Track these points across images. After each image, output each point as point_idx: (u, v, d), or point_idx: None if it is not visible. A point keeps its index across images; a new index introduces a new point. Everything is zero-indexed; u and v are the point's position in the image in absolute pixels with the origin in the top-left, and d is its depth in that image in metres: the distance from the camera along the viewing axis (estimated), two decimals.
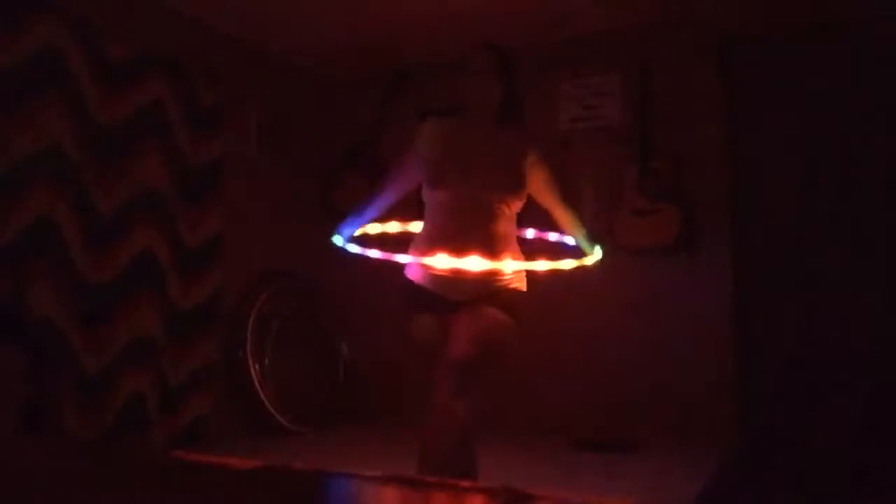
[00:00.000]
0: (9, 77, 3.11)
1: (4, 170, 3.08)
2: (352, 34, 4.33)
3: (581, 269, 2.25)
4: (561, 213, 2.36)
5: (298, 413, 4.26)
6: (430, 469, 2.15)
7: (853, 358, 3.64)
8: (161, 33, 3.85)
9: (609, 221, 3.97)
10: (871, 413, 3.56)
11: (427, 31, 4.23)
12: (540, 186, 2.34)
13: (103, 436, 3.33)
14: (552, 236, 2.45)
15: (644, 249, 3.99)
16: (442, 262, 2.18)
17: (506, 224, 2.30)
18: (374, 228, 2.47)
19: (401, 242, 2.41)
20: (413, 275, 2.36)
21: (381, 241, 2.40)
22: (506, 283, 2.30)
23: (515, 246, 2.36)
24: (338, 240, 2.28)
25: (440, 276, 2.28)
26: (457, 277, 2.25)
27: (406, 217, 2.53)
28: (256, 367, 4.14)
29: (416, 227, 2.46)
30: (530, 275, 2.39)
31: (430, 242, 2.27)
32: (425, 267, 2.29)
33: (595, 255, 2.25)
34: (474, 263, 2.13)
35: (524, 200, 2.34)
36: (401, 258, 2.21)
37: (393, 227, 2.51)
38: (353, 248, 2.26)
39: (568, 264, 2.20)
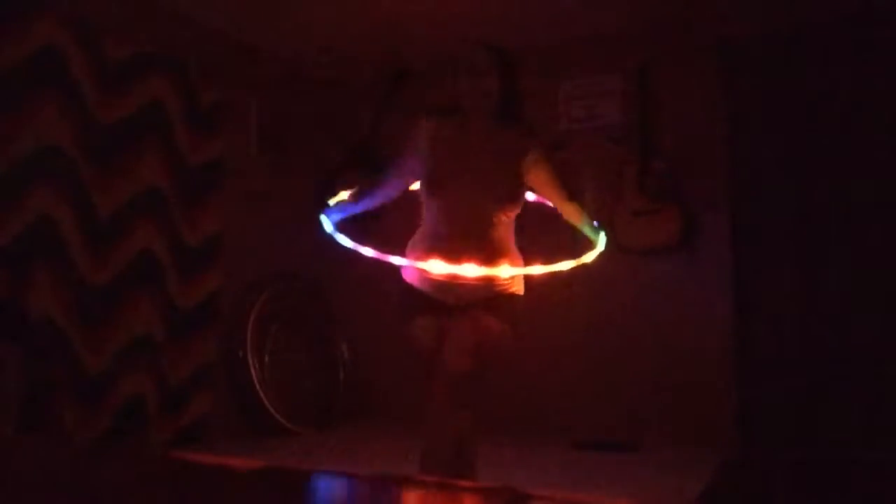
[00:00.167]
0: (9, 77, 3.11)
1: (4, 170, 3.08)
2: (352, 34, 4.32)
3: (580, 269, 2.22)
4: (565, 207, 2.33)
5: (298, 413, 4.26)
6: (430, 474, 2.15)
7: (853, 358, 3.64)
8: (161, 33, 3.85)
9: (609, 221, 3.97)
10: (871, 413, 3.56)
11: (427, 31, 4.23)
12: (542, 182, 2.31)
13: (103, 436, 3.33)
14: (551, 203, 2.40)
15: (644, 249, 3.99)
16: (438, 267, 2.17)
17: (503, 230, 2.29)
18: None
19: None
20: (410, 277, 2.35)
21: (380, 240, 2.39)
22: (503, 287, 2.29)
23: (513, 250, 2.34)
24: (326, 224, 2.22)
25: (437, 281, 2.27)
26: (453, 283, 2.24)
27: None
28: (256, 367, 4.14)
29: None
30: (530, 275, 2.38)
31: (427, 247, 2.26)
32: (422, 271, 2.28)
33: (601, 244, 2.22)
34: (471, 270, 2.13)
35: (522, 204, 2.32)
36: (396, 260, 2.18)
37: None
38: (346, 242, 2.18)
39: (566, 265, 2.18)
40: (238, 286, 4.22)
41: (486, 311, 2.25)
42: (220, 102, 4.09)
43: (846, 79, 3.78)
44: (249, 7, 3.98)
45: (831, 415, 3.64)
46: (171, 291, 3.74)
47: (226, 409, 4.06)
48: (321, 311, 4.71)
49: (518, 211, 2.31)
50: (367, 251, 2.13)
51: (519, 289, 2.34)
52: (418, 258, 2.24)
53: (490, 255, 2.22)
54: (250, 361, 4.11)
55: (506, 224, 2.29)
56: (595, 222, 2.28)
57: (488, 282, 2.25)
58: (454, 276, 2.20)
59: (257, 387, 4.09)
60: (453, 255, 2.16)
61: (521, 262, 2.35)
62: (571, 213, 2.32)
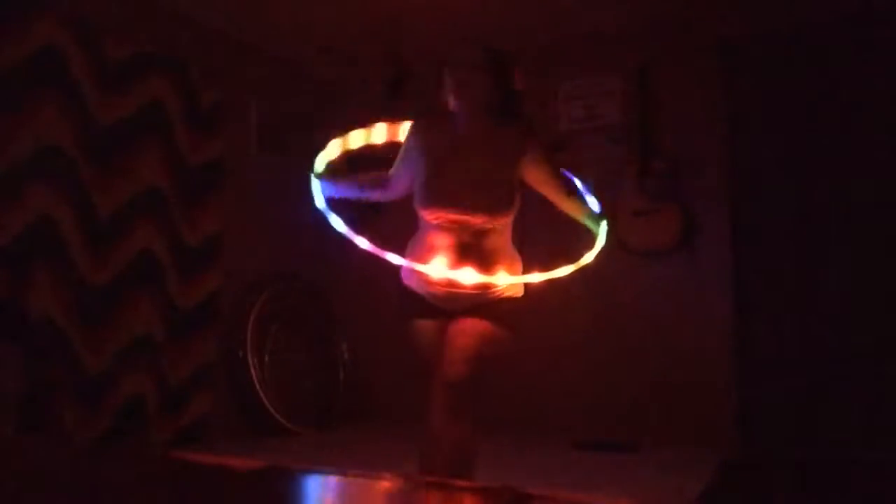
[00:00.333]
0: (9, 77, 3.11)
1: (4, 170, 3.08)
2: (351, 34, 4.32)
3: (579, 271, 2.21)
4: (564, 202, 2.31)
5: (298, 413, 4.26)
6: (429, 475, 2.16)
7: (853, 358, 3.64)
8: (161, 33, 3.85)
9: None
10: (871, 413, 3.56)
11: (427, 31, 4.23)
12: (541, 179, 2.28)
13: (103, 436, 3.33)
14: None
15: (644, 249, 3.99)
16: (436, 270, 2.16)
17: (498, 237, 2.25)
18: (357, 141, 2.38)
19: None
20: (409, 280, 2.34)
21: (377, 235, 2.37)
22: (501, 291, 2.27)
23: (510, 254, 2.31)
24: (318, 197, 2.16)
25: (435, 288, 2.25)
26: (451, 293, 2.23)
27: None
28: (256, 367, 4.14)
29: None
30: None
31: (423, 255, 2.23)
32: (420, 276, 2.26)
33: (602, 235, 2.21)
34: (468, 276, 2.11)
35: (518, 207, 2.27)
36: (391, 257, 2.11)
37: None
38: (339, 226, 2.11)
39: (564, 271, 2.16)
40: (238, 286, 4.21)
41: (486, 317, 2.24)
42: (220, 102, 4.09)
43: (846, 79, 3.77)
44: (249, 7, 3.98)
45: (831, 415, 3.64)
46: (171, 291, 3.74)
47: (226, 409, 4.06)
48: (321, 311, 4.71)
49: (514, 215, 2.28)
50: (362, 242, 2.08)
51: (518, 291, 2.32)
52: (415, 263, 2.22)
53: (486, 264, 2.19)
54: (250, 361, 4.11)
55: (500, 230, 2.26)
56: (598, 207, 2.26)
57: (486, 288, 2.23)
58: (451, 286, 2.19)
59: (257, 387, 4.09)
60: (449, 264, 2.16)
61: (520, 264, 2.34)
62: (570, 209, 2.31)
